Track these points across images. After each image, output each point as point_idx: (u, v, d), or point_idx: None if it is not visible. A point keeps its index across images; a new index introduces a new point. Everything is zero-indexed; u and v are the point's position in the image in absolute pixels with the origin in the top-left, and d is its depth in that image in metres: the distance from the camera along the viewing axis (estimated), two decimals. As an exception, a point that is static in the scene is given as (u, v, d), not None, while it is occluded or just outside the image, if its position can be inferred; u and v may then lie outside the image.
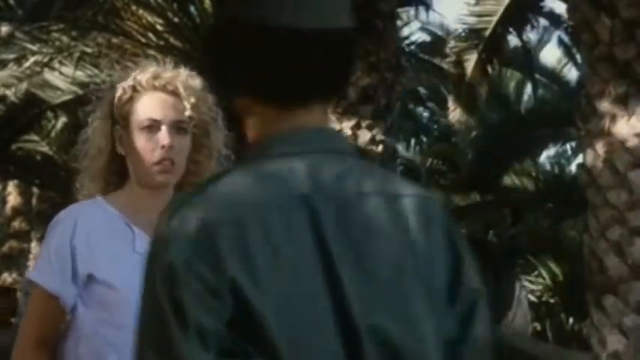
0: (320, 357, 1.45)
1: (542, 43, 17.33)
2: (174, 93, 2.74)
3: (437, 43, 15.32)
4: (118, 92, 2.79)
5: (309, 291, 1.46)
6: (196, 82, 2.82)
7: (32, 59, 11.59)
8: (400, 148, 14.16)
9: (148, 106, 2.74)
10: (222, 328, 1.42)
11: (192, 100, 2.74)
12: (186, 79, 2.77)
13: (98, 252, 2.75)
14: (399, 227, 1.54)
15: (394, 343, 1.47)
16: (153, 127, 2.72)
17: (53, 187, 14.53)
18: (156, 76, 2.78)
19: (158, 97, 2.75)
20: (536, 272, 9.97)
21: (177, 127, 2.72)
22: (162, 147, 2.69)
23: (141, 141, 2.73)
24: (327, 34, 1.56)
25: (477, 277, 1.58)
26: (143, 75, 2.77)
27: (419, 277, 1.51)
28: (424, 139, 17.50)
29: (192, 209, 1.48)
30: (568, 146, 17.40)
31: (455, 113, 13.12)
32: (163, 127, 2.71)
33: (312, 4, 1.56)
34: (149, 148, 2.71)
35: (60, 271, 2.73)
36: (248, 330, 1.42)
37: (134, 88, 2.77)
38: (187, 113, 2.73)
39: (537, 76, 16.36)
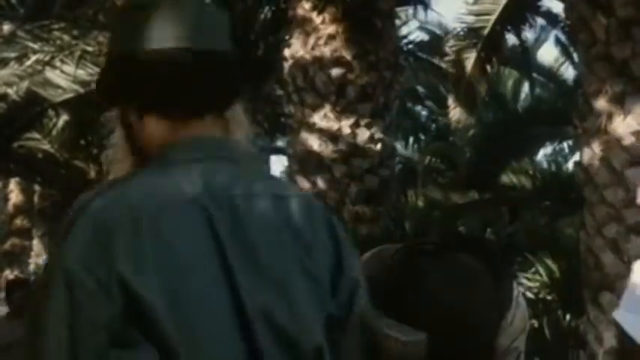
0: (215, 339, 1.61)
1: (539, 42, 17.34)
2: None
3: (435, 42, 15.31)
4: None
5: (203, 282, 1.63)
6: None
7: (34, 58, 11.57)
8: (399, 146, 14.19)
9: None
10: (116, 321, 1.56)
11: None
12: None
13: None
14: (284, 224, 1.73)
15: (279, 323, 1.66)
16: None
17: (54, 185, 14.54)
18: None
19: None
20: (533, 269, 9.95)
21: None
22: None
23: None
24: (211, 54, 1.78)
25: (356, 268, 1.79)
26: None
27: (303, 267, 1.71)
28: (422, 138, 17.49)
29: (92, 212, 1.64)
30: (565, 144, 17.41)
31: (454, 112, 13.12)
32: None
33: (195, 30, 1.78)
34: None
35: None
36: (141, 322, 1.57)
37: None
38: None
39: (535, 74, 16.38)
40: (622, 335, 2.11)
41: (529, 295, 9.16)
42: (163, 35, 1.76)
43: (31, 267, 17.67)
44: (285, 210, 1.74)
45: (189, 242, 1.64)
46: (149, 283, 1.58)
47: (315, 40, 8.50)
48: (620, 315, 2.15)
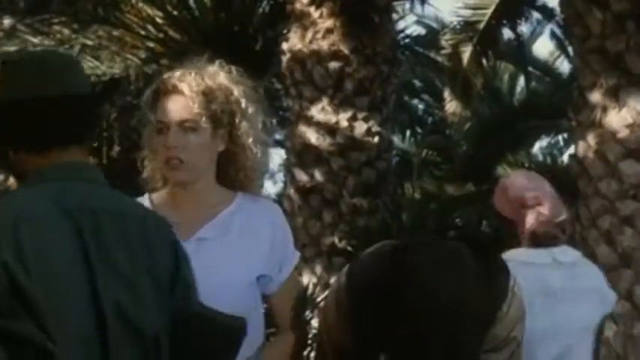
0: (76, 322, 2.06)
1: (534, 36, 17.37)
2: (181, 93, 2.83)
3: (432, 36, 15.33)
4: (145, 98, 2.95)
5: (69, 276, 2.09)
6: (210, 78, 2.89)
7: (34, 52, 11.58)
8: (396, 139, 14.20)
9: (159, 110, 2.86)
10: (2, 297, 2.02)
11: (200, 97, 2.82)
12: (194, 77, 2.85)
13: None
14: (135, 234, 2.19)
15: (127, 312, 2.10)
16: (163, 128, 2.84)
17: (54, 178, 14.54)
18: (166, 80, 2.89)
19: (167, 99, 2.86)
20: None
21: (185, 127, 2.82)
22: (168, 147, 2.82)
23: (156, 142, 2.88)
24: (70, 97, 2.23)
25: (190, 273, 2.28)
26: (160, 80, 2.91)
27: (148, 268, 2.17)
28: (419, 131, 17.49)
29: None
30: (560, 137, 17.48)
31: (450, 105, 13.16)
32: (171, 128, 2.83)
33: (52, 78, 2.23)
34: (161, 148, 2.85)
35: None
36: (20, 299, 2.02)
37: (155, 93, 2.90)
38: (195, 111, 2.82)
39: (530, 68, 16.39)
40: None
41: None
42: (27, 86, 2.21)
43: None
44: (135, 222, 2.21)
45: (59, 244, 2.10)
46: (27, 272, 2.03)
47: (312, 34, 8.49)
48: None
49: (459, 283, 2.27)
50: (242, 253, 2.89)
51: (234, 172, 2.96)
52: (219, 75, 2.92)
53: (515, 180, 3.83)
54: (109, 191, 2.27)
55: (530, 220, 3.63)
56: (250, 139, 2.91)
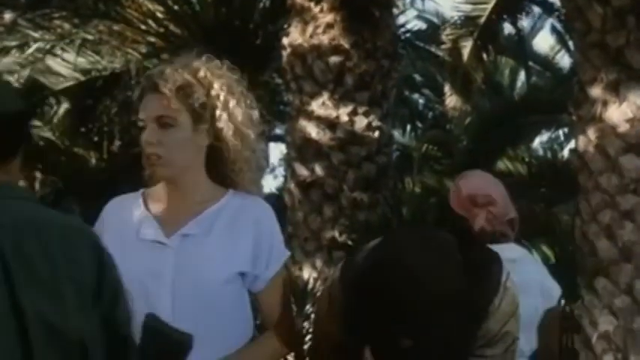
0: (1, 332, 2.13)
1: (535, 30, 17.37)
2: (159, 89, 2.86)
3: (432, 30, 15.33)
4: (136, 96, 2.97)
5: None
6: (190, 73, 2.91)
7: (35, 46, 11.63)
8: (396, 134, 14.22)
9: (140, 107, 2.92)
10: None
11: (178, 93, 2.85)
12: (173, 73, 2.88)
13: (108, 238, 2.93)
14: (57, 245, 2.23)
15: (51, 321, 2.16)
16: (144, 126, 2.89)
17: (55, 172, 14.56)
18: (147, 77, 2.93)
19: (147, 97, 2.91)
20: (529, 255, 10.00)
21: (161, 122, 2.86)
22: (145, 144, 2.87)
23: (140, 139, 2.92)
24: None
25: (116, 276, 2.32)
26: (144, 77, 2.95)
27: (71, 279, 2.22)
28: (419, 126, 17.49)
29: None
30: (561, 132, 17.49)
31: (451, 99, 13.17)
32: (148, 125, 2.87)
33: None
34: (142, 145, 2.90)
35: None
36: None
37: (142, 90, 2.94)
38: (172, 107, 2.84)
39: (531, 63, 16.39)
40: None
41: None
42: None
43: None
44: (57, 233, 2.26)
45: None
46: None
47: (313, 28, 8.49)
48: None
49: (444, 274, 2.29)
50: (223, 250, 2.91)
51: (222, 168, 2.98)
52: (200, 70, 2.93)
53: (469, 180, 3.99)
54: (30, 205, 2.32)
55: (481, 218, 3.76)
56: (230, 133, 2.92)
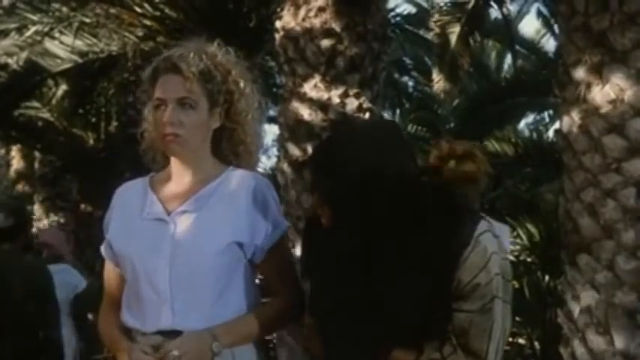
0: None
1: (521, 14, 17.45)
2: (181, 72, 2.94)
3: (421, 14, 15.40)
4: (145, 75, 3.05)
5: None
6: (209, 58, 3.00)
7: (33, 29, 11.59)
8: (386, 115, 14.25)
9: (158, 87, 2.98)
10: None
11: (198, 76, 2.94)
12: (194, 57, 2.96)
13: (115, 220, 3.10)
14: None
15: None
16: (161, 105, 2.97)
17: (54, 152, 14.57)
18: (166, 58, 3.01)
19: (167, 77, 2.97)
20: (514, 233, 10.15)
21: (182, 103, 2.94)
22: (165, 123, 2.95)
23: (154, 118, 3.02)
24: None
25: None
26: (160, 58, 3.02)
27: None
28: (408, 107, 17.51)
29: None
30: (546, 114, 17.63)
31: (439, 83, 13.27)
32: (169, 105, 2.95)
33: None
34: (159, 124, 2.98)
35: (106, 242, 3.12)
36: None
37: (155, 70, 3.02)
38: (193, 90, 2.93)
39: (517, 47, 16.46)
40: None
41: (510, 257, 9.37)
42: None
43: (33, 230, 17.72)
44: None
45: None
46: None
47: (305, 11, 8.50)
48: None
49: (378, 150, 2.71)
50: (219, 221, 2.98)
51: (229, 148, 3.09)
52: (217, 55, 3.04)
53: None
54: None
55: None
56: (249, 117, 3.05)
